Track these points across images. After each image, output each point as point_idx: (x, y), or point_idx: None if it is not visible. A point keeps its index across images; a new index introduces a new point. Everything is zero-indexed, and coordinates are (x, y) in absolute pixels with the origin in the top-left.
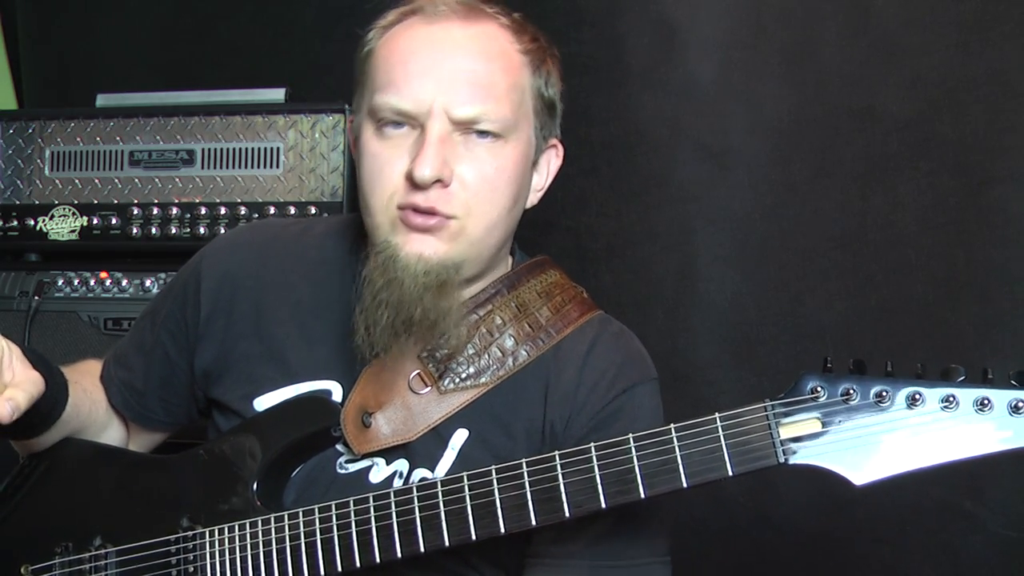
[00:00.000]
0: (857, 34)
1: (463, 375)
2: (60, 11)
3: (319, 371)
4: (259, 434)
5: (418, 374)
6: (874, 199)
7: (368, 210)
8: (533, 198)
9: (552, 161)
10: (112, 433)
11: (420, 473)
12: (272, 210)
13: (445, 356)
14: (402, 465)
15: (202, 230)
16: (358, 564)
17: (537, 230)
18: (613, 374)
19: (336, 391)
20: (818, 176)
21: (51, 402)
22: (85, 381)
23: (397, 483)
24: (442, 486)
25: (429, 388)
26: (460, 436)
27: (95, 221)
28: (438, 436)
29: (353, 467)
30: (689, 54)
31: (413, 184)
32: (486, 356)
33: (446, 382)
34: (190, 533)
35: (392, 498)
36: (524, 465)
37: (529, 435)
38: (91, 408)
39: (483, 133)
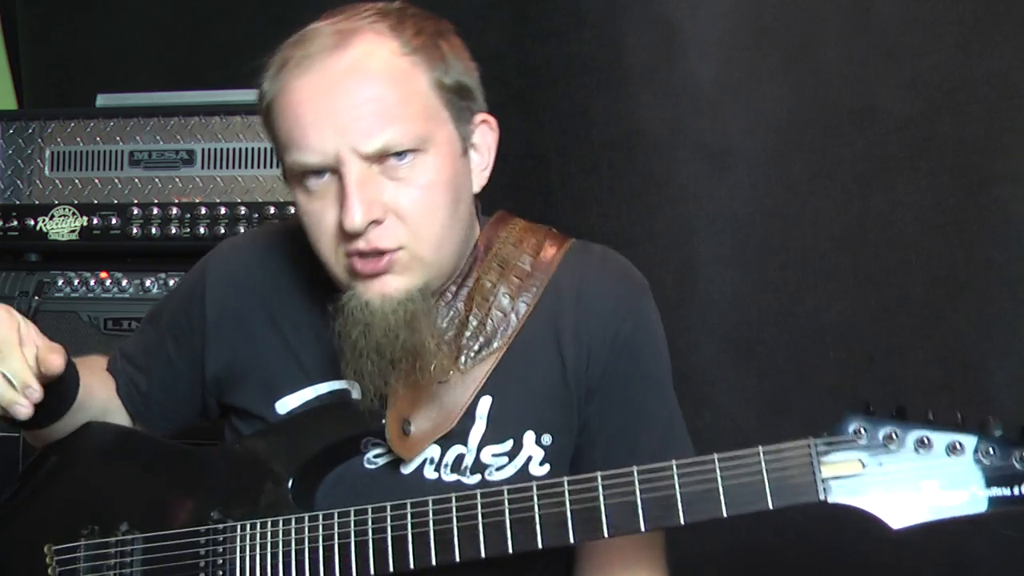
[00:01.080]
0: (857, 34)
1: (476, 348)
2: (60, 11)
3: (335, 371)
4: (296, 434)
5: (438, 363)
6: (874, 199)
7: (325, 263)
8: (480, 180)
9: (488, 135)
10: (122, 420)
11: (455, 451)
12: (272, 210)
13: (452, 337)
14: (433, 451)
15: (202, 230)
16: (391, 569)
17: None
18: (615, 298)
19: (354, 391)
20: (818, 176)
21: (67, 382)
22: (94, 365)
23: (428, 470)
24: (482, 498)
25: (451, 372)
26: (485, 404)
27: (95, 221)
28: (464, 411)
29: (382, 460)
30: (689, 54)
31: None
32: (490, 322)
33: (463, 360)
34: (220, 526)
35: (430, 506)
36: (566, 483)
37: (549, 384)
38: (106, 392)
39: (399, 155)
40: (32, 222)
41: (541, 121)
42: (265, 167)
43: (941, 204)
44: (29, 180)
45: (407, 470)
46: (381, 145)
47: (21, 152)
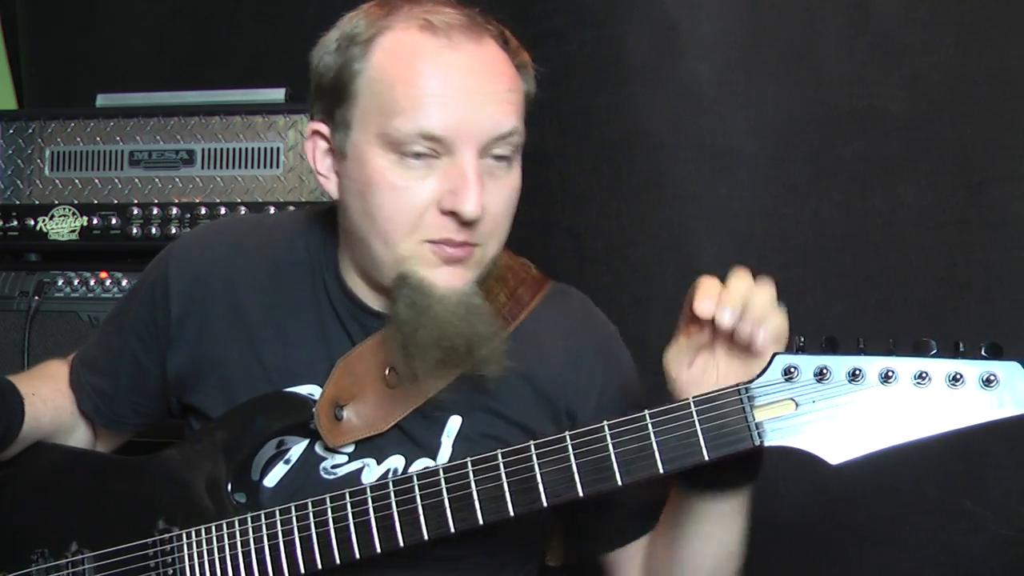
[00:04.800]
0: (857, 34)
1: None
2: (60, 11)
3: (298, 376)
4: (232, 431)
5: (392, 368)
6: (874, 199)
7: (385, 241)
8: None
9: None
10: (79, 435)
11: (422, 463)
12: (272, 210)
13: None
14: (397, 462)
15: None
16: (338, 560)
17: (537, 230)
18: (594, 349)
19: (317, 395)
20: (818, 176)
21: (1, 429)
22: (44, 389)
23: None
24: (418, 480)
25: (402, 381)
26: (455, 423)
27: (95, 221)
28: (433, 425)
29: (342, 471)
30: (689, 54)
31: (454, 219)
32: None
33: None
34: (167, 535)
35: (368, 494)
36: (500, 456)
37: (521, 415)
38: (53, 416)
39: (499, 158)
40: (32, 222)
41: (541, 121)
42: (265, 167)
43: (941, 204)
44: (29, 180)
45: (370, 479)
46: (510, 128)
47: (21, 152)
